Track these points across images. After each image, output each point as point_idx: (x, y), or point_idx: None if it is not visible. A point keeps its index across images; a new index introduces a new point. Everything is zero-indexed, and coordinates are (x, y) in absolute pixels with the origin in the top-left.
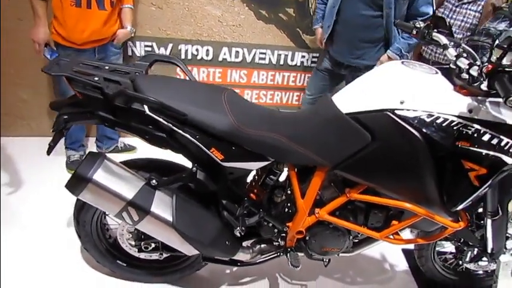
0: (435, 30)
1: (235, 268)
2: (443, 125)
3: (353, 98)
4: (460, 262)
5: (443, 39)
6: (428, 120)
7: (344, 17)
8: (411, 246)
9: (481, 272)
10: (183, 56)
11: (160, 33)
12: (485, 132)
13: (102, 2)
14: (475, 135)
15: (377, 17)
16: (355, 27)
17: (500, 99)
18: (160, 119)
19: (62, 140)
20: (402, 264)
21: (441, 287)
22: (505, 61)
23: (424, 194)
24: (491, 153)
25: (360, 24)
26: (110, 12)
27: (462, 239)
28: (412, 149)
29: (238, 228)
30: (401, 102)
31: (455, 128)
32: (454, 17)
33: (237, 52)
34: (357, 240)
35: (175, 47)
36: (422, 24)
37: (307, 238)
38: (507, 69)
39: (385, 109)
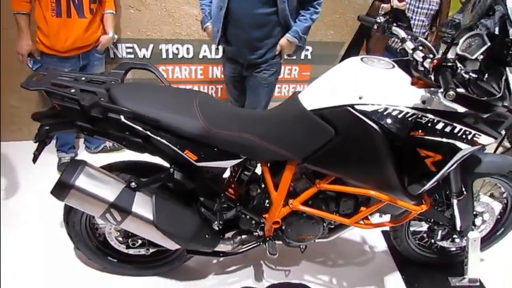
0: (394, 24)
1: (222, 258)
2: (399, 116)
3: (316, 95)
4: (433, 241)
5: (401, 33)
6: (385, 113)
7: (236, 18)
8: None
9: (454, 248)
10: (164, 56)
11: (141, 35)
12: (438, 121)
13: (81, 10)
14: (429, 124)
15: (272, 14)
16: (251, 28)
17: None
18: (136, 126)
19: (53, 142)
20: (381, 245)
21: (418, 264)
22: (449, 55)
23: (386, 181)
24: (445, 140)
25: (255, 24)
26: (91, 20)
27: (432, 219)
28: (372, 141)
29: (216, 222)
30: (360, 98)
31: (410, 119)
32: (420, 5)
33: (217, 49)
34: (332, 226)
35: (156, 47)
36: (382, 19)
37: (283, 227)
38: (449, 63)
39: (346, 104)
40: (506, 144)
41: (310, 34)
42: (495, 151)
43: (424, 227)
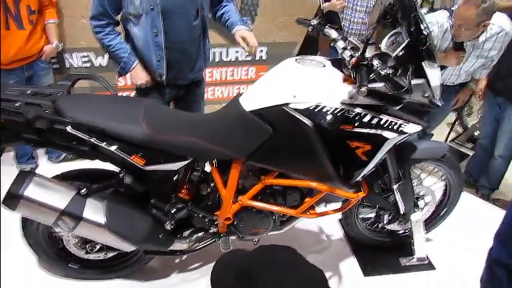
0: (327, 25)
1: (185, 256)
2: (329, 112)
3: (254, 96)
4: (380, 225)
5: (333, 34)
6: (316, 110)
7: (174, 40)
8: None
9: (402, 231)
10: None
11: (95, 44)
12: (365, 114)
13: (20, 22)
14: (357, 118)
15: (198, 25)
16: (189, 45)
17: (378, 85)
18: (81, 135)
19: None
20: (337, 233)
21: (371, 248)
22: (367, 54)
23: (323, 173)
24: (373, 131)
25: (190, 40)
26: (31, 31)
27: (378, 205)
28: (306, 136)
29: (168, 222)
30: (294, 97)
31: (339, 114)
32: (358, 3)
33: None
34: (284, 219)
35: None
36: (316, 22)
37: (235, 223)
38: (365, 62)
39: (281, 104)
40: (459, 129)
41: (263, 35)
42: (447, 137)
43: (373, 213)
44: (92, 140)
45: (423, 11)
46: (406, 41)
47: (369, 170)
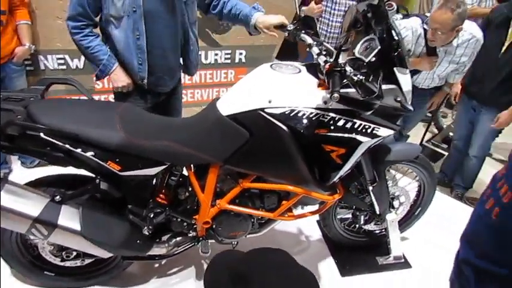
0: (303, 31)
1: (164, 260)
2: (304, 117)
3: (231, 101)
4: (357, 225)
5: (308, 39)
6: (291, 114)
7: (158, 44)
8: None
9: (378, 230)
10: None
11: (71, 45)
12: (339, 119)
13: None
14: (331, 122)
15: (179, 29)
16: (169, 51)
17: (351, 90)
18: (55, 141)
19: None
20: (316, 234)
21: (349, 248)
22: (340, 60)
23: (299, 176)
24: (347, 135)
25: (172, 47)
26: (1, 31)
27: (354, 206)
28: (282, 141)
29: (146, 227)
30: (270, 101)
31: (314, 118)
32: (336, 7)
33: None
34: (263, 221)
35: None
36: (292, 27)
37: (214, 227)
38: (338, 68)
39: (257, 109)
40: (435, 130)
41: (242, 38)
42: (423, 137)
43: (350, 213)
44: (66, 146)
45: (398, 16)
46: (378, 48)
47: (344, 172)
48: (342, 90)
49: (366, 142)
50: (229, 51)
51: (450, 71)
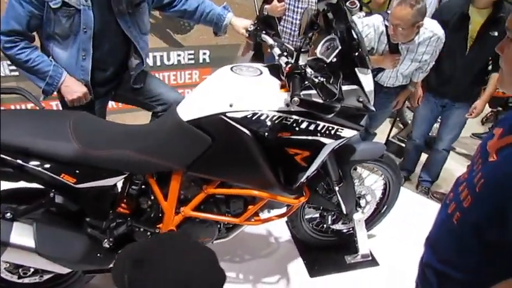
0: (263, 32)
1: None
2: (267, 120)
3: (191, 106)
4: (325, 225)
5: (269, 40)
6: (253, 118)
7: (102, 61)
8: None
9: (346, 230)
10: None
11: None
12: (302, 121)
13: None
14: (294, 125)
15: (123, 47)
16: (114, 69)
17: (312, 92)
18: (4, 156)
19: None
20: (286, 235)
21: (318, 248)
22: (301, 62)
23: (264, 181)
24: (310, 137)
25: (114, 60)
26: None
27: (322, 206)
28: (245, 145)
29: (106, 240)
30: (231, 105)
31: (276, 121)
32: (299, 5)
33: None
34: (230, 226)
35: None
36: (252, 27)
37: None
38: (298, 70)
39: (218, 113)
40: (400, 125)
41: (205, 38)
42: (389, 133)
43: (317, 213)
44: (17, 161)
45: (361, 14)
46: (339, 48)
47: (309, 174)
48: (303, 93)
49: (330, 144)
50: (193, 52)
51: (413, 70)
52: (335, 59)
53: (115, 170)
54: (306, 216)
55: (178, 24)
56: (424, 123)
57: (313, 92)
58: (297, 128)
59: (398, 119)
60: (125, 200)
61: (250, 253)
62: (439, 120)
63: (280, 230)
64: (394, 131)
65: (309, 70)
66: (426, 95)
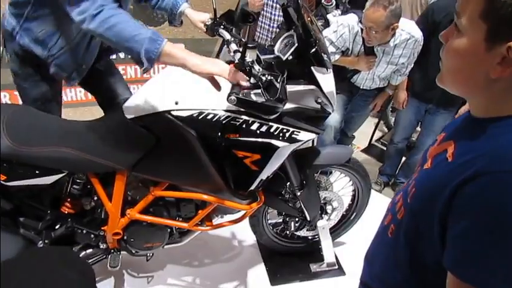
0: (221, 26)
1: None
2: (214, 120)
3: (137, 103)
4: (288, 232)
5: (226, 35)
6: (200, 117)
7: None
8: None
9: (311, 236)
10: None
11: None
12: (253, 122)
13: None
14: (244, 126)
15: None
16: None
17: (256, 91)
18: None
19: None
20: (250, 240)
21: (282, 254)
22: (248, 58)
23: (211, 184)
24: (261, 140)
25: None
26: None
27: (284, 212)
28: (190, 145)
29: (42, 242)
30: (176, 103)
31: (224, 121)
32: (278, 1)
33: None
34: (184, 230)
35: None
36: (209, 22)
37: (125, 238)
38: (243, 67)
39: (163, 111)
40: (385, 129)
41: (180, 31)
42: (371, 137)
43: (280, 219)
44: None
45: (336, 13)
46: (296, 45)
47: (264, 179)
48: (255, 92)
49: (284, 147)
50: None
51: (391, 72)
52: (291, 57)
53: (50, 169)
54: (270, 221)
55: (151, 16)
56: (406, 127)
57: (257, 91)
58: (246, 130)
59: (383, 122)
60: (68, 200)
61: (211, 256)
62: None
63: (245, 233)
64: (378, 134)
65: (256, 67)
66: (410, 99)
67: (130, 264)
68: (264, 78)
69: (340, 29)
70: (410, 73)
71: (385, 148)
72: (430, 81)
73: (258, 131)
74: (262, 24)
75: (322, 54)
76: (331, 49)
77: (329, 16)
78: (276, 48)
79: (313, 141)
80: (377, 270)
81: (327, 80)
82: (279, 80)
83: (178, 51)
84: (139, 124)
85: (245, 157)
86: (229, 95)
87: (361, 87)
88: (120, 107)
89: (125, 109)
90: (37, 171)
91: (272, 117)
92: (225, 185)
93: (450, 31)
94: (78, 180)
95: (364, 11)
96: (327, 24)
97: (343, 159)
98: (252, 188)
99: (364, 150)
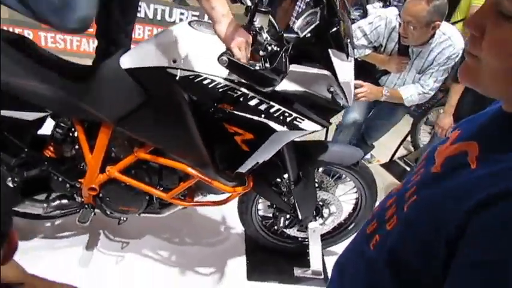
0: None
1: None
2: (209, 86)
3: (135, 54)
4: (276, 227)
5: (248, 2)
6: (195, 80)
7: None
8: None
9: (302, 238)
10: None
11: None
12: (253, 97)
13: None
14: (241, 99)
15: None
16: None
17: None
18: None
19: None
20: (238, 228)
21: (266, 250)
22: (256, 23)
23: (195, 156)
24: (257, 118)
25: None
26: None
27: (275, 205)
28: (180, 109)
29: (11, 179)
30: (174, 61)
31: (220, 90)
32: None
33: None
34: (165, 202)
35: None
36: None
37: (101, 196)
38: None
39: (158, 66)
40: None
41: None
42: (394, 152)
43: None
44: None
45: (377, 5)
46: (317, 23)
47: (255, 164)
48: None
49: (282, 132)
50: (198, 14)
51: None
52: (309, 35)
53: (34, 105)
54: (260, 213)
55: None
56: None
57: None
58: (243, 104)
59: (410, 138)
60: (51, 144)
61: (193, 236)
62: None
63: (234, 220)
64: (402, 151)
65: (264, 35)
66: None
67: (107, 225)
68: (269, 48)
69: (376, 21)
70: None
71: (408, 168)
72: (484, 108)
73: (255, 108)
74: (299, 9)
75: (345, 38)
76: (362, 42)
77: (369, 7)
78: (296, 25)
79: (326, 135)
80: (346, 285)
81: (344, 68)
82: (284, 55)
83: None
84: (132, 76)
85: (236, 134)
86: (221, 55)
87: None
88: (118, 56)
89: (122, 59)
90: (20, 105)
91: (267, 89)
92: (210, 160)
93: (483, 21)
94: (62, 124)
95: (405, 3)
96: (364, 15)
97: (350, 161)
98: (241, 170)
99: (384, 166)
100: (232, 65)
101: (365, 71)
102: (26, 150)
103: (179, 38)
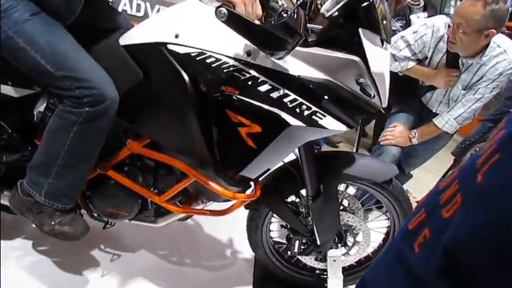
0: None
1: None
2: (214, 65)
3: (137, 30)
4: (289, 252)
5: None
6: (198, 58)
7: None
8: None
9: (319, 270)
10: None
11: None
12: (264, 82)
13: None
14: (250, 82)
15: None
16: None
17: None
18: None
19: None
20: (247, 252)
21: (276, 281)
22: None
23: (193, 150)
24: (267, 107)
25: None
26: None
27: (289, 225)
28: (176, 90)
29: None
30: (176, 36)
31: (225, 70)
32: None
33: (139, 5)
34: (163, 211)
35: None
36: None
37: (88, 194)
38: None
39: (158, 42)
40: None
41: None
42: (442, 177)
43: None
44: None
45: (422, 15)
46: (344, 1)
47: (264, 168)
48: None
49: (297, 128)
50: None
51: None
52: (336, 13)
53: (23, 81)
54: (273, 234)
55: None
56: None
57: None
58: (251, 88)
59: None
60: (39, 127)
61: (194, 257)
62: None
63: (244, 243)
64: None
65: (280, 1)
66: None
67: (100, 235)
68: (284, 14)
69: (422, 29)
70: None
71: None
72: None
73: (266, 95)
74: None
75: (380, 19)
76: (405, 53)
77: (412, 17)
78: (324, 7)
79: (357, 147)
80: None
81: (378, 55)
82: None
83: None
84: (130, 54)
85: (241, 124)
86: (219, 6)
87: (434, 111)
88: (120, 32)
89: (124, 35)
90: (4, 78)
91: (276, 54)
92: (210, 156)
93: None
94: (51, 106)
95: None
96: (407, 26)
97: (381, 177)
98: (248, 174)
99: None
100: (232, 19)
101: (405, 87)
102: (9, 132)
103: (185, 12)
